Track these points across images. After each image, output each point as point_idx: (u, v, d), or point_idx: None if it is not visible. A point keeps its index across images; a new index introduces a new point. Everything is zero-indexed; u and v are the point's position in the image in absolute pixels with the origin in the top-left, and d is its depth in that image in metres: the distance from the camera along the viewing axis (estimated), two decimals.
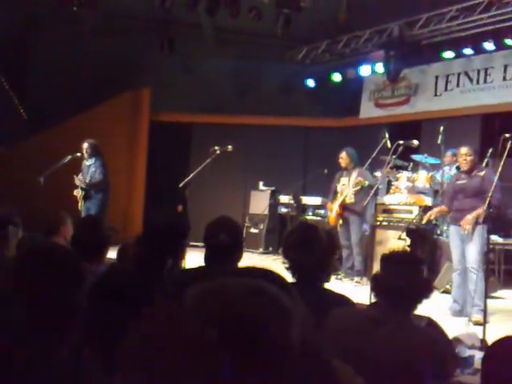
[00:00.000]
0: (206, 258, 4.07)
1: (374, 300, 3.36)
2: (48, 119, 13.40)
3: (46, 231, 5.46)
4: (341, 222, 10.22)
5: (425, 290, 3.28)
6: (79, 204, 10.74)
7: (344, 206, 10.14)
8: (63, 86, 12.99)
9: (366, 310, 3.41)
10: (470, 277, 7.17)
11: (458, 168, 8.07)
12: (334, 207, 10.25)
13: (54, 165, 10.68)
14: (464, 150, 7.40)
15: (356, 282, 9.86)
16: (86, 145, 10.89)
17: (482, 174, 7.27)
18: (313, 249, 3.55)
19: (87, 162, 10.92)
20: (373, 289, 3.31)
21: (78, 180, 10.72)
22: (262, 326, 1.40)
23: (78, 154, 10.88)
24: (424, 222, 8.46)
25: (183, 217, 13.74)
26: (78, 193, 10.76)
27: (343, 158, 10.33)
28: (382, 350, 2.95)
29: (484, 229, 7.10)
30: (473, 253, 7.16)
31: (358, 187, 9.99)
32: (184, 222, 4.17)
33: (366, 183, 9.91)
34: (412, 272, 3.27)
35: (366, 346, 3.02)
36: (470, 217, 7.13)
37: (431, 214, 8.17)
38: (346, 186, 10.22)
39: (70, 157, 10.85)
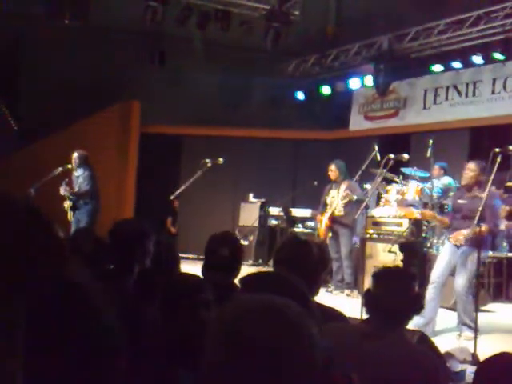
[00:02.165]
0: (205, 269, 4.10)
1: (365, 315, 3.37)
2: (38, 131, 13.38)
3: None
4: (330, 234, 10.26)
5: (416, 307, 3.30)
6: (68, 215, 10.70)
7: (333, 219, 10.18)
8: (54, 98, 12.98)
9: (358, 325, 3.42)
10: (460, 300, 7.12)
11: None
12: (324, 220, 10.29)
13: (44, 177, 10.63)
14: (469, 164, 7.26)
15: (346, 294, 9.89)
16: (75, 155, 10.86)
17: (483, 195, 7.01)
18: (304, 264, 3.56)
19: (76, 173, 10.87)
20: (365, 305, 3.32)
21: (63, 189, 10.64)
22: (287, 355, 1.39)
23: (69, 166, 10.84)
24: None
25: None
26: (67, 205, 10.71)
27: (332, 170, 10.38)
28: (375, 367, 2.95)
29: (472, 252, 7.03)
30: (463, 279, 7.04)
31: (347, 200, 10.04)
32: (145, 226, 4.00)
33: (354, 198, 9.96)
34: (404, 289, 3.28)
35: (359, 361, 3.02)
36: (465, 232, 7.00)
37: (434, 216, 8.01)
38: (335, 199, 10.26)
39: (60, 169, 10.79)
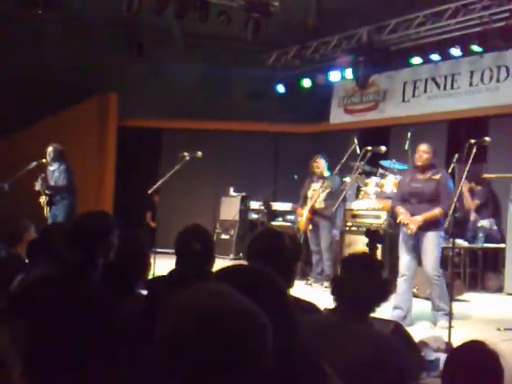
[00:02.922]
0: (177, 265, 4.01)
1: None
2: (13, 125, 13.25)
3: (10, 240, 5.38)
4: (310, 227, 10.27)
5: (383, 294, 3.29)
6: (45, 210, 10.57)
7: (314, 211, 10.18)
8: (29, 90, 12.84)
9: (325, 314, 3.41)
10: (432, 285, 7.09)
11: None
12: (304, 212, 10.29)
13: (18, 171, 10.52)
14: (423, 146, 7.23)
15: (325, 286, 9.87)
16: (50, 149, 10.65)
17: (437, 177, 7.06)
18: (277, 255, 3.54)
19: (51, 167, 10.66)
20: (332, 292, 3.29)
21: (38, 184, 10.48)
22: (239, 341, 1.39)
23: (44, 160, 10.65)
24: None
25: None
26: (43, 200, 10.58)
27: (319, 163, 10.37)
28: (340, 355, 2.94)
29: (440, 235, 7.02)
30: (430, 263, 6.99)
31: (327, 191, 10.06)
32: (104, 221, 3.98)
33: (329, 189, 10.04)
34: (371, 276, 3.27)
35: (325, 351, 3.02)
36: (419, 218, 6.95)
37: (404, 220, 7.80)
38: (317, 192, 10.26)
39: (35, 163, 10.59)
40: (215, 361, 1.36)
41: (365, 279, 3.22)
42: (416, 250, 7.15)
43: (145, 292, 3.84)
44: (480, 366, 2.64)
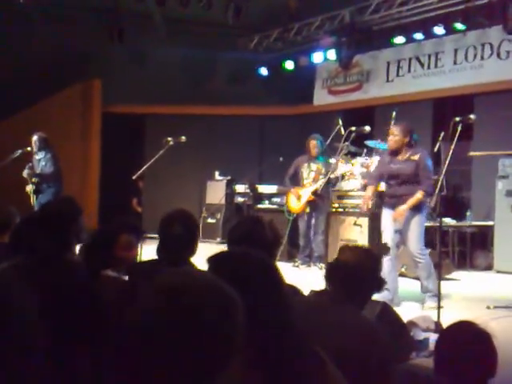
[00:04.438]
0: (159, 250, 4.00)
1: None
2: None
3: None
4: (308, 209, 10.17)
5: (377, 284, 3.33)
6: (31, 199, 10.53)
7: (316, 194, 10.04)
8: (11, 78, 12.72)
9: (312, 296, 3.38)
10: (417, 265, 7.05)
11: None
12: (305, 194, 10.17)
13: (3, 160, 10.45)
14: (392, 128, 7.21)
15: (319, 268, 9.80)
16: (34, 138, 10.64)
17: (416, 157, 6.99)
18: (258, 241, 3.51)
19: (37, 156, 10.65)
20: (326, 276, 3.28)
21: (26, 173, 10.47)
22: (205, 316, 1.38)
23: (29, 149, 10.63)
24: (365, 209, 8.17)
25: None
26: (29, 188, 10.54)
27: (315, 145, 10.26)
28: (327, 337, 2.93)
29: (422, 215, 6.98)
30: (413, 242, 6.97)
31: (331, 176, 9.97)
32: (72, 205, 4.07)
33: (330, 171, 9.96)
34: (367, 263, 3.29)
35: (313, 332, 3.00)
36: (403, 207, 6.90)
37: (367, 203, 7.79)
38: (318, 173, 10.14)
39: (20, 151, 10.59)
40: (182, 338, 1.36)
41: (361, 271, 3.22)
42: (399, 230, 7.09)
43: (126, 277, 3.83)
44: (472, 346, 2.65)
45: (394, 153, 7.16)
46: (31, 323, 1.40)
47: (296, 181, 10.42)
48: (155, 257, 4.04)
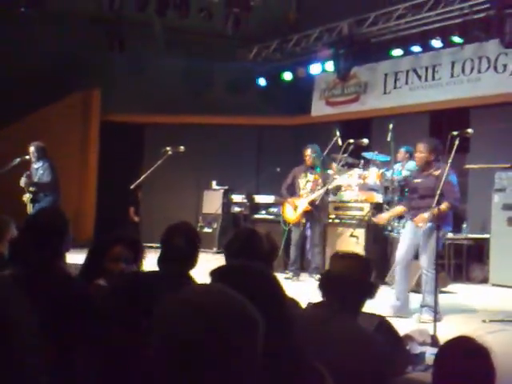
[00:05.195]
0: (160, 261, 4.04)
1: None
2: None
3: None
4: (304, 220, 10.16)
5: (369, 291, 3.34)
6: (28, 208, 10.52)
7: (313, 204, 10.06)
8: (11, 86, 12.72)
9: (310, 309, 3.42)
10: (426, 278, 7.16)
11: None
12: (301, 204, 10.15)
13: (2, 168, 10.46)
14: (418, 145, 7.39)
15: (316, 280, 9.78)
16: (32, 148, 10.62)
17: (437, 173, 7.13)
18: (256, 255, 3.55)
19: (35, 165, 10.63)
20: (319, 285, 3.33)
21: (23, 182, 10.47)
22: (228, 338, 1.40)
23: (27, 157, 10.63)
24: (382, 223, 8.35)
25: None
26: (26, 197, 10.53)
27: (309, 155, 10.25)
28: (324, 350, 2.96)
29: (441, 231, 7.08)
30: (426, 256, 7.13)
31: (331, 187, 9.99)
32: (60, 216, 4.20)
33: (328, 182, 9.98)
34: (358, 269, 3.33)
35: (313, 346, 3.02)
36: (425, 215, 7.06)
37: (391, 216, 8.15)
38: (315, 184, 10.15)
39: (18, 159, 10.59)
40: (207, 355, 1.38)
41: (353, 275, 3.27)
42: (416, 242, 7.31)
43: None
44: (471, 362, 2.63)
45: (421, 169, 7.45)
46: (32, 336, 1.41)
47: (293, 191, 10.41)
48: (152, 267, 4.07)
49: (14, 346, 1.34)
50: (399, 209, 7.24)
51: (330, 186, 9.97)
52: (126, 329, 2.46)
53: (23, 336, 1.37)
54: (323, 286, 3.30)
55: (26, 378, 1.38)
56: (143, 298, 2.54)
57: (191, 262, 4.03)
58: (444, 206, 6.92)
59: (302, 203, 10.11)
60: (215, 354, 1.38)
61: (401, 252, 7.42)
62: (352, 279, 3.25)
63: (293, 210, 10.22)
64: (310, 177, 10.24)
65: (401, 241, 7.57)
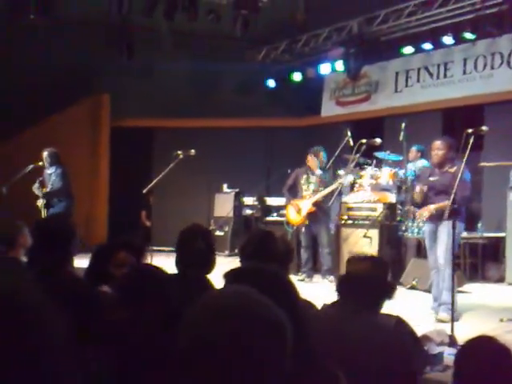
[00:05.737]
0: (180, 264, 4.01)
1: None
2: (7, 129, 13.15)
3: (5, 243, 5.30)
4: (307, 222, 10.08)
5: (388, 294, 3.32)
6: (42, 213, 10.55)
7: (317, 205, 9.98)
8: (21, 94, 12.75)
9: (329, 309, 3.35)
10: (443, 274, 7.09)
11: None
12: (305, 206, 10.08)
13: (15, 175, 10.49)
14: (436, 143, 7.34)
15: (330, 281, 9.69)
16: (45, 154, 10.73)
17: (453, 170, 7.11)
18: (269, 257, 3.56)
19: (48, 171, 10.77)
20: (337, 288, 3.31)
21: (36, 189, 10.53)
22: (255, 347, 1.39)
23: (40, 163, 10.72)
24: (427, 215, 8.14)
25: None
26: (40, 203, 10.58)
27: (312, 159, 10.19)
28: (349, 349, 2.93)
29: (457, 226, 7.01)
30: (442, 251, 7.06)
31: (334, 188, 9.89)
32: (67, 222, 4.38)
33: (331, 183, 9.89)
34: (376, 270, 3.31)
35: (335, 346, 2.97)
36: (432, 207, 7.09)
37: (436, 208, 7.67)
38: (315, 185, 10.07)
39: (31, 166, 10.68)
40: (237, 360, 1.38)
41: (371, 275, 3.27)
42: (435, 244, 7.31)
43: None
44: (493, 362, 2.61)
45: (437, 166, 7.38)
46: (61, 339, 1.39)
47: (294, 192, 10.37)
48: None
49: (44, 350, 1.33)
50: (445, 202, 7.02)
51: (334, 187, 9.86)
52: (139, 330, 2.46)
53: (54, 340, 1.36)
54: (342, 289, 3.29)
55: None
56: (158, 299, 2.56)
57: (210, 264, 4.02)
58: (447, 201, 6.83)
59: (306, 205, 10.03)
60: (241, 357, 1.37)
61: (431, 257, 7.40)
62: (371, 281, 3.25)
63: (296, 213, 10.16)
64: (312, 178, 10.19)
65: (427, 246, 7.54)
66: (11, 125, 13.10)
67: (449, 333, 5.67)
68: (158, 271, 2.84)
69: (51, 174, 10.68)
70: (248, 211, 13.44)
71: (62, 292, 3.12)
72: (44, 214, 10.55)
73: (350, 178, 10.03)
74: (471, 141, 6.59)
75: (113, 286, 3.65)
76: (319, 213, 10.00)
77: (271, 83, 14.64)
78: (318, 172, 10.16)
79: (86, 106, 14.67)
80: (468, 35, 11.07)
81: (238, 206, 13.57)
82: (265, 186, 13.33)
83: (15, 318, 1.31)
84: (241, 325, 1.39)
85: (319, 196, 9.95)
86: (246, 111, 14.26)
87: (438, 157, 7.29)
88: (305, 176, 10.26)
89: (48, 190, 10.60)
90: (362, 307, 3.15)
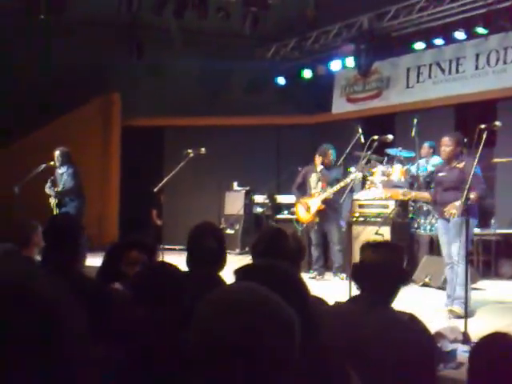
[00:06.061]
0: (191, 263, 3.99)
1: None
2: (19, 129, 13.19)
3: (19, 242, 5.30)
4: (317, 219, 10.04)
5: (403, 278, 3.33)
6: (54, 212, 10.56)
7: (326, 203, 9.93)
8: (32, 94, 12.78)
9: (346, 305, 3.31)
10: (458, 268, 7.03)
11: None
12: (314, 204, 10.04)
13: (27, 175, 10.51)
14: (444, 139, 7.34)
15: (341, 278, 9.68)
16: (57, 153, 10.78)
17: (461, 165, 7.12)
18: (281, 254, 3.53)
19: (60, 170, 10.83)
20: (353, 275, 3.32)
21: (48, 188, 10.57)
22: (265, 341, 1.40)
23: (52, 163, 10.77)
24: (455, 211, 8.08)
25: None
26: (52, 201, 10.61)
27: (319, 157, 10.16)
28: (364, 344, 2.93)
29: (471, 222, 6.95)
30: (456, 246, 7.02)
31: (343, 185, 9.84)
32: (74, 221, 4.44)
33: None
34: (391, 256, 3.30)
35: (349, 341, 2.96)
36: (457, 204, 6.91)
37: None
38: (325, 183, 10.03)
39: (43, 165, 10.72)
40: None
41: (385, 259, 3.26)
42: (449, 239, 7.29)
43: None
44: (506, 359, 2.57)
45: (446, 162, 7.42)
46: (81, 336, 1.42)
47: (304, 190, 10.36)
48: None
49: (66, 340, 1.34)
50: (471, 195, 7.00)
51: (342, 184, 9.80)
52: (155, 328, 2.45)
53: (75, 337, 1.38)
54: (357, 276, 3.29)
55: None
56: (175, 298, 2.56)
57: (221, 262, 4.01)
58: (474, 195, 6.78)
59: (315, 202, 9.99)
60: (252, 353, 1.38)
61: (445, 252, 7.37)
62: (386, 266, 3.23)
63: (305, 211, 10.14)
64: (321, 175, 10.09)
65: (440, 243, 7.53)
66: (23, 124, 13.13)
67: (462, 330, 5.62)
68: (174, 269, 2.81)
69: (63, 173, 10.73)
70: (258, 209, 13.40)
71: (72, 291, 3.10)
72: (56, 212, 10.59)
73: (358, 176, 9.96)
74: (484, 136, 6.52)
75: (125, 284, 3.63)
76: (328, 210, 9.98)
77: (281, 81, 14.59)
78: (320, 167, 10.12)
79: (97, 106, 14.70)
80: (480, 30, 10.97)
81: (249, 204, 13.52)
82: (275, 184, 13.27)
83: (34, 306, 1.32)
84: (250, 320, 1.40)
85: (328, 193, 9.90)
86: (256, 109, 14.21)
87: (446, 153, 7.30)
88: (313, 174, 10.25)
89: (60, 189, 10.63)
90: (377, 295, 3.15)
